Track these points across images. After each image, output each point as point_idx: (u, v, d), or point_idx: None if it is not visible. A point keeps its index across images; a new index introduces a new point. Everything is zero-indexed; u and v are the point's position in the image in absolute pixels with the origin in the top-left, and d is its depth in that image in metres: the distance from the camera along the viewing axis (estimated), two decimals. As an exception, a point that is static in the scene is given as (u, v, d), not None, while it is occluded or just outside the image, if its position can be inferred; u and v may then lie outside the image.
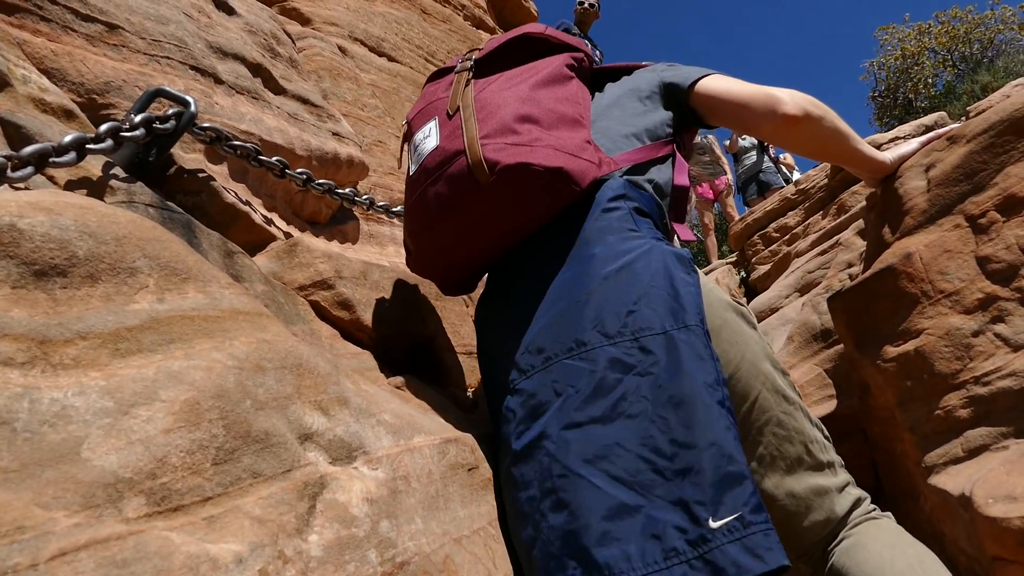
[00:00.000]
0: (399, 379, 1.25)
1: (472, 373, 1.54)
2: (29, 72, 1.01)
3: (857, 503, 1.14)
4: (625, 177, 1.21)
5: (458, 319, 1.68)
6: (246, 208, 1.33)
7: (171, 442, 0.61)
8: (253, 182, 1.47)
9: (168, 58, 1.34)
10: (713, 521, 0.88)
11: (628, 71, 1.46)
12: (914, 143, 1.49)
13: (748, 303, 3.83)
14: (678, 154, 1.32)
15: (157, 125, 1.11)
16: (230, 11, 1.72)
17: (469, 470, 1.03)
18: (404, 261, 1.42)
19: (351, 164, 1.79)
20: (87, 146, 0.94)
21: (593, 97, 1.39)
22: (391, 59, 2.68)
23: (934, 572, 1.04)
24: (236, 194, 1.33)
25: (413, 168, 1.26)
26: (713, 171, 6.87)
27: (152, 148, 1.13)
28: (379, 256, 1.81)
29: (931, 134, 1.48)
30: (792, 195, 4.21)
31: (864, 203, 2.76)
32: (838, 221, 3.32)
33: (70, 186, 0.95)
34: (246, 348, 0.74)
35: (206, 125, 1.23)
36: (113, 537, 0.53)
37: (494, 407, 1.17)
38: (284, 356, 0.78)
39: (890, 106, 14.98)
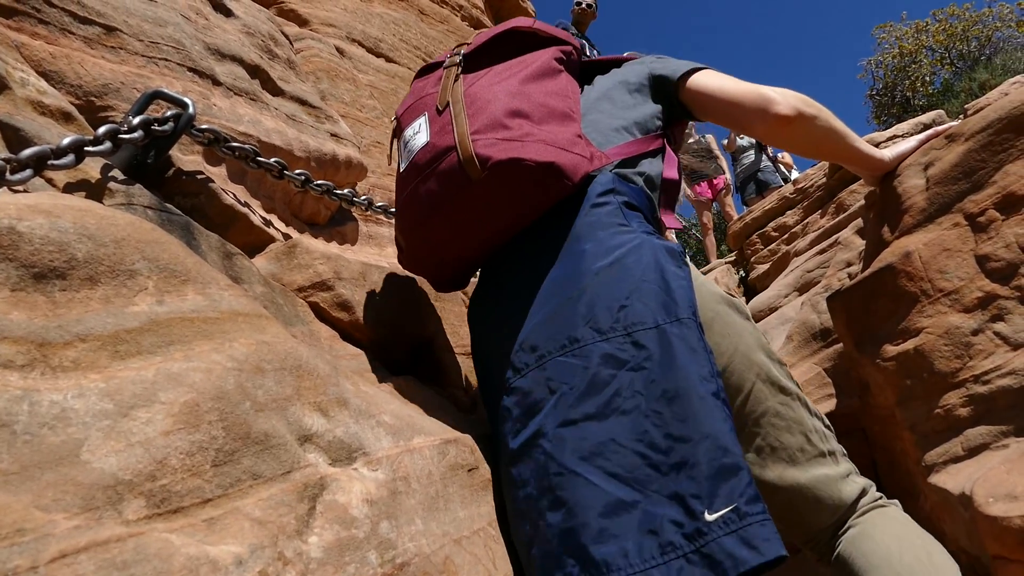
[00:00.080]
0: (398, 380, 1.25)
1: (472, 374, 1.54)
2: (27, 75, 1.01)
3: (864, 492, 1.14)
4: (615, 171, 1.21)
5: (457, 320, 1.68)
6: (245, 209, 1.33)
7: (171, 444, 0.61)
8: (252, 183, 1.47)
9: (166, 60, 1.34)
10: (709, 514, 0.88)
11: (617, 64, 1.46)
12: (912, 141, 1.49)
13: (747, 302, 3.84)
14: (668, 147, 1.32)
15: (155, 127, 1.11)
16: (228, 13, 1.72)
17: (469, 471, 1.03)
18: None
19: (349, 165, 1.79)
20: (85, 148, 0.94)
21: (582, 90, 1.39)
22: (389, 60, 2.68)
23: (942, 565, 1.04)
24: (235, 196, 1.33)
25: (403, 165, 1.25)
26: (711, 170, 6.86)
27: (150, 150, 1.13)
28: (378, 257, 1.81)
29: (929, 132, 1.48)
30: (791, 194, 4.21)
31: (863, 202, 2.77)
32: (837, 220, 3.32)
33: (69, 188, 0.95)
34: (245, 350, 0.74)
35: (204, 127, 1.23)
36: (113, 539, 0.53)
37: (490, 406, 1.18)
38: (283, 358, 0.78)
39: (888, 104, 14.99)
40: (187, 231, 1.03)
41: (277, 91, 1.70)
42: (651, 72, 1.37)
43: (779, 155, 7.08)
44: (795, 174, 6.84)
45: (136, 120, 1.07)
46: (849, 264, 2.39)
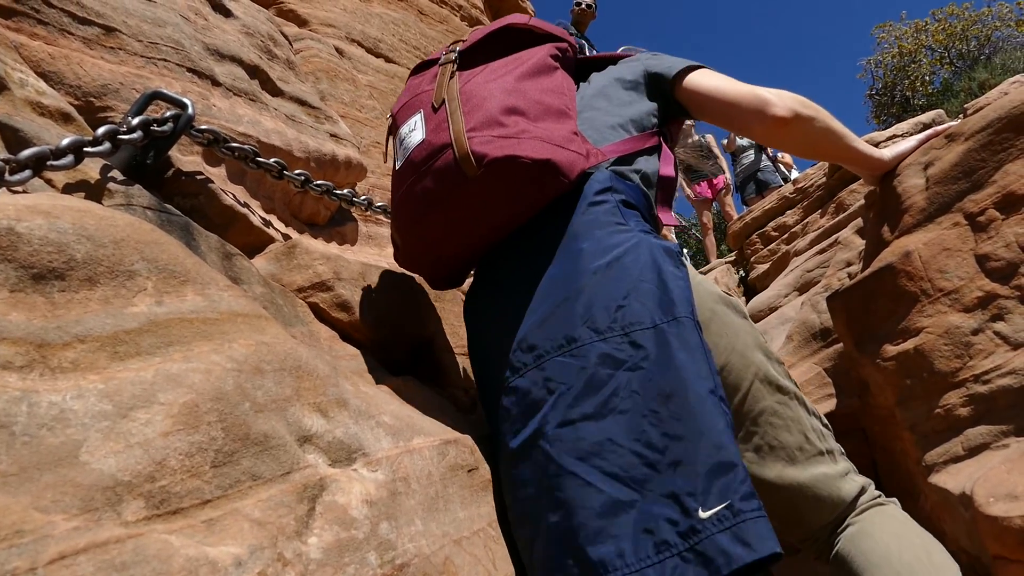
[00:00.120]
0: (398, 380, 1.25)
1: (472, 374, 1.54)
2: (26, 75, 1.01)
3: (862, 490, 1.14)
4: (611, 168, 1.20)
5: (457, 320, 1.68)
6: (244, 210, 1.32)
7: (170, 445, 0.61)
8: (251, 184, 1.47)
9: (165, 60, 1.34)
10: (703, 511, 0.88)
11: (613, 61, 1.46)
12: (912, 140, 1.49)
13: (747, 302, 3.84)
14: (664, 145, 1.32)
15: (154, 128, 1.10)
16: (227, 13, 1.71)
17: (469, 471, 1.03)
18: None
19: (349, 165, 1.79)
20: (85, 149, 0.94)
21: (578, 87, 1.39)
22: (388, 60, 2.68)
23: (941, 563, 1.04)
24: (234, 196, 1.33)
25: (399, 162, 1.25)
26: (711, 170, 6.86)
27: (150, 151, 1.13)
28: (378, 257, 1.81)
29: (929, 132, 1.48)
30: (790, 194, 4.21)
31: (862, 201, 2.77)
32: (837, 220, 3.32)
33: (68, 189, 0.94)
34: (245, 350, 0.74)
35: (204, 127, 1.23)
36: (112, 540, 0.52)
37: (488, 405, 1.18)
38: (283, 358, 0.78)
39: (887, 104, 15.00)
40: (186, 232, 1.03)
41: (276, 91, 1.70)
42: (647, 69, 1.37)
43: (779, 155, 7.08)
44: (795, 174, 6.84)
45: (135, 121, 1.07)
46: (849, 264, 2.39)
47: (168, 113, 1.14)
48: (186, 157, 1.29)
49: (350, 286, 1.31)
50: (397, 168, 1.26)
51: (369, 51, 2.61)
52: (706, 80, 1.32)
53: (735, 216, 5.61)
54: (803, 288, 3.11)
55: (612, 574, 0.89)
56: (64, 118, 1.03)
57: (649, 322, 1.01)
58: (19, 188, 0.84)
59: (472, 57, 1.27)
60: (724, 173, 6.90)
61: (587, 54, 1.38)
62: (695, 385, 0.96)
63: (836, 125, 1.32)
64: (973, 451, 1.26)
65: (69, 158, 0.91)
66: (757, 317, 3.23)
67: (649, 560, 0.88)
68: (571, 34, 4.98)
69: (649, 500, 0.91)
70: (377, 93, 2.44)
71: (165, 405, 0.63)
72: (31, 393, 0.56)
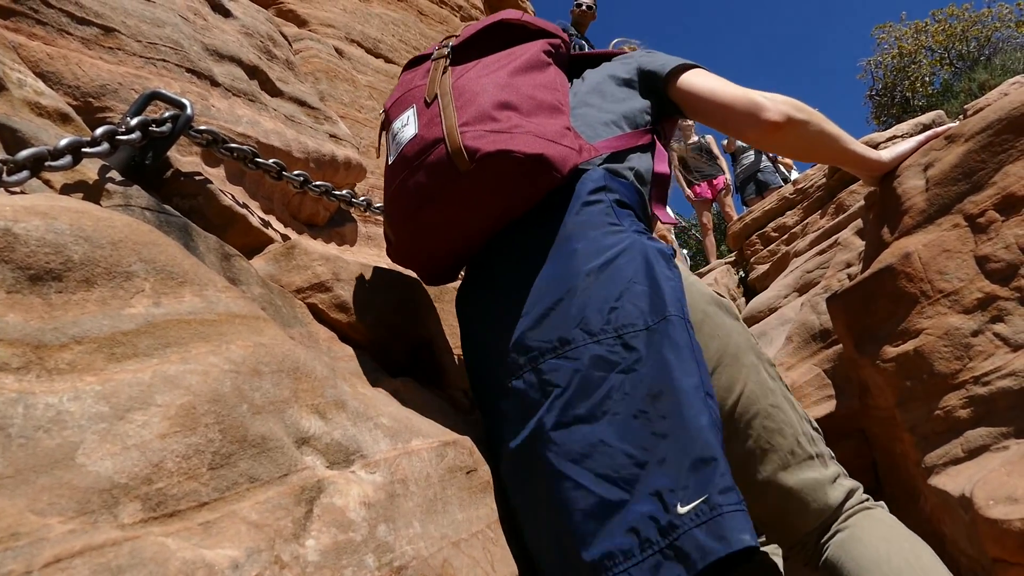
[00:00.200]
0: (397, 382, 1.24)
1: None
2: (24, 76, 1.01)
3: (850, 494, 1.14)
4: (605, 166, 1.20)
5: (457, 321, 1.67)
6: (243, 211, 1.32)
7: (167, 447, 0.60)
8: (250, 184, 1.47)
9: (164, 61, 1.33)
10: (681, 507, 0.88)
11: (607, 58, 1.46)
12: (911, 141, 1.49)
13: (747, 303, 3.84)
14: (658, 143, 1.32)
15: (153, 128, 1.10)
16: (226, 13, 1.71)
17: (467, 473, 1.02)
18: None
19: (348, 166, 1.79)
20: (83, 149, 0.93)
21: (572, 84, 1.39)
22: (388, 60, 2.68)
23: (930, 567, 1.04)
24: (233, 197, 1.33)
25: (392, 157, 1.25)
26: (711, 171, 6.86)
27: (148, 151, 1.13)
28: (377, 258, 1.80)
29: (929, 133, 1.48)
30: (790, 194, 4.22)
31: (862, 202, 2.77)
32: (836, 220, 3.33)
33: (66, 190, 0.94)
34: (243, 352, 0.74)
35: (202, 128, 1.23)
36: (108, 543, 0.52)
37: (486, 406, 1.18)
38: (281, 360, 0.78)
39: (887, 105, 15.02)
40: (185, 232, 1.03)
41: (276, 92, 1.70)
42: (640, 67, 1.36)
43: (779, 156, 7.08)
44: (795, 174, 6.84)
45: (134, 121, 1.07)
46: (849, 265, 2.39)
47: (167, 113, 1.13)
48: (185, 158, 1.29)
49: (349, 287, 1.31)
50: (390, 163, 1.26)
51: (369, 51, 2.61)
52: (699, 81, 1.32)
53: (735, 217, 5.62)
54: (803, 289, 3.11)
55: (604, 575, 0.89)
56: (62, 118, 1.03)
57: (642, 324, 1.01)
58: (17, 189, 0.84)
59: (465, 52, 1.27)
60: (724, 174, 6.90)
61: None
62: (681, 382, 0.96)
63: (831, 128, 1.32)
64: (973, 453, 1.26)
65: (67, 159, 0.91)
66: (757, 318, 3.23)
67: (635, 559, 0.88)
68: (571, 35, 4.97)
69: (637, 500, 0.92)
70: (377, 94, 2.43)
71: (162, 407, 0.62)
72: (27, 395, 0.56)
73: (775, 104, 1.25)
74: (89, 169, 0.99)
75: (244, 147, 1.31)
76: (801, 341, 2.16)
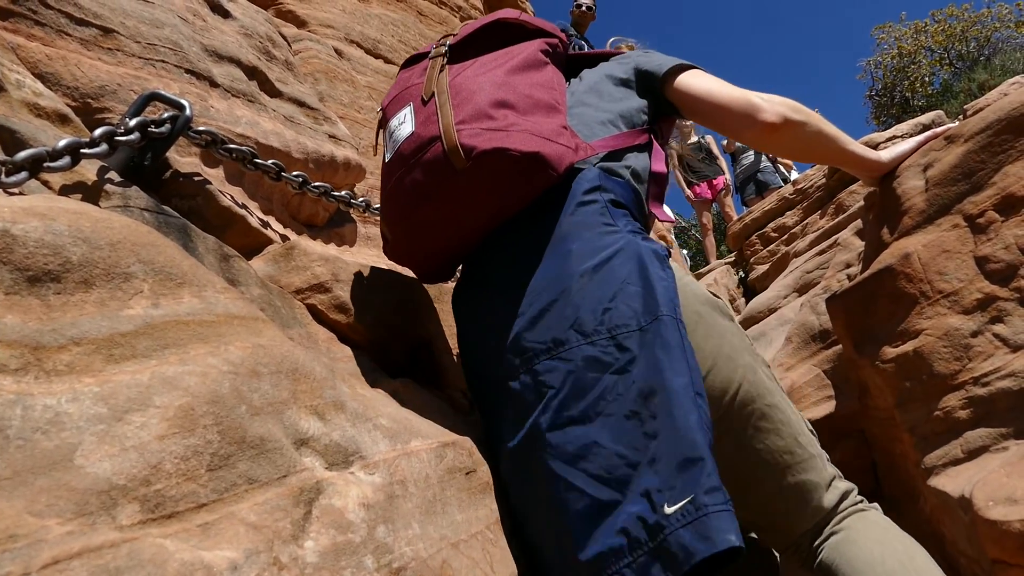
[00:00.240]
0: (396, 382, 1.24)
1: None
2: (23, 77, 1.01)
3: (844, 496, 1.14)
4: (601, 165, 1.20)
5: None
6: (242, 211, 1.32)
7: (165, 448, 0.60)
8: (249, 185, 1.47)
9: (163, 62, 1.33)
10: (668, 507, 0.88)
11: (605, 57, 1.46)
12: (911, 142, 1.49)
13: (746, 303, 3.84)
14: (655, 142, 1.32)
15: (152, 129, 1.10)
16: (225, 14, 1.71)
17: (467, 474, 1.02)
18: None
19: (348, 167, 1.79)
20: (82, 150, 0.93)
21: (569, 83, 1.39)
22: (387, 61, 2.68)
23: (924, 568, 1.04)
24: (232, 197, 1.33)
25: (389, 155, 1.25)
26: (711, 171, 6.87)
27: (147, 152, 1.13)
28: (377, 259, 1.80)
29: (928, 133, 1.48)
30: (790, 195, 4.22)
31: (862, 203, 2.77)
32: (836, 221, 3.33)
33: (65, 191, 0.94)
34: (241, 353, 0.74)
35: (201, 129, 1.23)
36: (106, 545, 0.52)
37: (483, 405, 1.18)
38: (280, 361, 0.78)
39: (887, 105, 15.02)
40: (184, 233, 1.03)
41: (275, 92, 1.70)
42: (637, 66, 1.36)
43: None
44: (795, 175, 6.84)
45: (133, 122, 1.07)
46: (848, 265, 2.39)
47: (166, 114, 1.13)
48: (184, 158, 1.28)
49: (348, 287, 1.31)
50: (386, 161, 1.26)
51: (368, 52, 2.61)
52: (696, 82, 1.32)
53: (735, 217, 5.62)
54: (802, 289, 3.11)
55: None
56: (61, 119, 1.03)
57: (635, 324, 1.01)
58: (15, 190, 0.83)
59: (463, 51, 1.27)
60: (724, 174, 6.91)
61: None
62: (671, 381, 0.96)
63: (828, 128, 1.32)
64: (972, 454, 1.26)
65: (66, 159, 0.91)
66: (756, 318, 3.23)
67: (626, 559, 0.89)
68: (571, 36, 4.97)
69: (629, 500, 0.92)
70: (376, 94, 2.43)
71: (161, 408, 0.62)
72: (26, 396, 0.56)
73: (772, 105, 1.25)
74: (88, 170, 0.98)
75: (243, 148, 1.31)
76: (800, 341, 2.16)
